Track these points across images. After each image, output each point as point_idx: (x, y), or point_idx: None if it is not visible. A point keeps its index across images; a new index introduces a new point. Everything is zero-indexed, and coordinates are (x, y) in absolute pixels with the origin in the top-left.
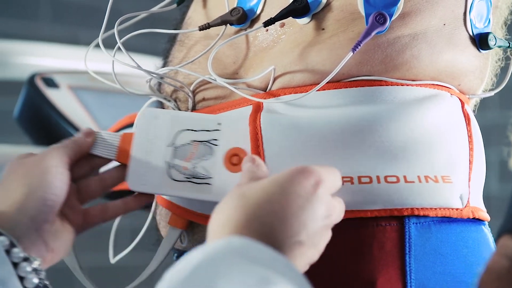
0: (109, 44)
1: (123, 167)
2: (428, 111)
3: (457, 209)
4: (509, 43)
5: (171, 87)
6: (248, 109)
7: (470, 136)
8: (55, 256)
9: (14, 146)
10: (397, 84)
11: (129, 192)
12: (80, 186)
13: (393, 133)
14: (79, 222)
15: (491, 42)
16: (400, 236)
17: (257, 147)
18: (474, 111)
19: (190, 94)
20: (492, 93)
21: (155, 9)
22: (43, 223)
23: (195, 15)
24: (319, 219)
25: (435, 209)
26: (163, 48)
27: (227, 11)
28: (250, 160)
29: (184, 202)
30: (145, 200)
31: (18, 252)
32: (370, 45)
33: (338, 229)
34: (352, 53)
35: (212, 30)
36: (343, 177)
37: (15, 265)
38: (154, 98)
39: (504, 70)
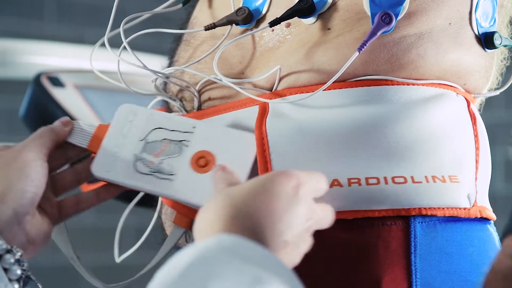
0: (115, 43)
1: None
2: (434, 110)
3: (465, 209)
4: None
5: (177, 87)
6: (254, 109)
7: (476, 136)
8: (35, 248)
9: None
10: (403, 84)
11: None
12: (55, 178)
13: (399, 133)
14: (55, 214)
15: (497, 41)
16: (405, 235)
17: (263, 152)
18: (479, 110)
19: (196, 93)
20: (497, 92)
21: (161, 8)
22: (24, 215)
23: (201, 15)
24: (302, 220)
25: (443, 209)
26: (169, 48)
27: (232, 11)
28: (220, 169)
29: None
30: (116, 191)
31: (1, 244)
32: (376, 44)
33: (344, 229)
34: (358, 53)
35: (218, 30)
36: (350, 179)
37: None
38: (159, 98)
39: (509, 69)
